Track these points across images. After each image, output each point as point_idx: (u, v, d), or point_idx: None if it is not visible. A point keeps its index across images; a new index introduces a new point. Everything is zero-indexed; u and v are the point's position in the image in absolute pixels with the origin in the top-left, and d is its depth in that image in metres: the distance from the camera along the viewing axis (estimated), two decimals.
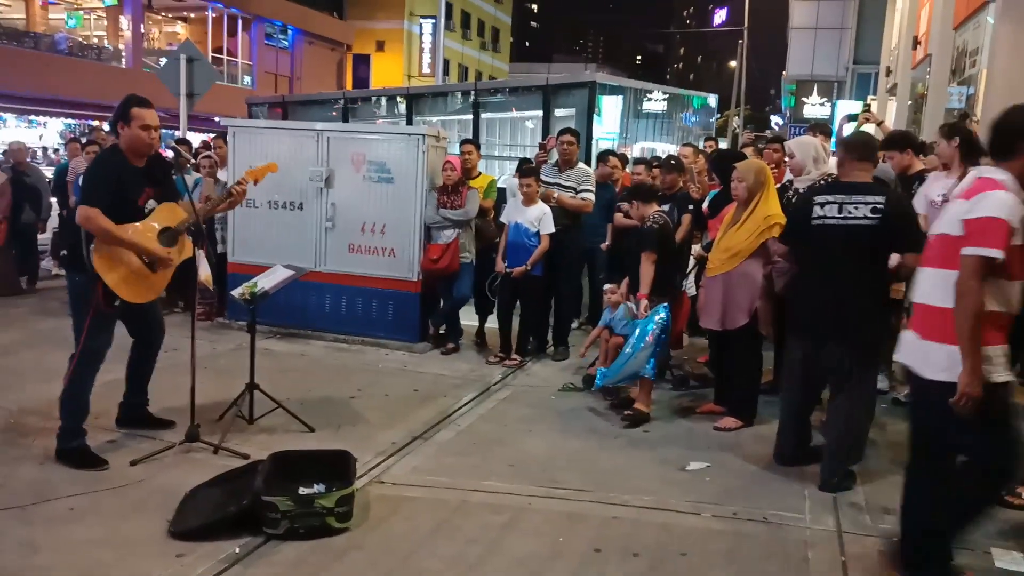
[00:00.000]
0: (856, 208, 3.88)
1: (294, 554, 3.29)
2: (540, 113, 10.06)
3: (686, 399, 5.50)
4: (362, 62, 34.00)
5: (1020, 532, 3.56)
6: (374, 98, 12.74)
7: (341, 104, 12.31)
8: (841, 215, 3.91)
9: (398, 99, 12.16)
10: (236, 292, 4.78)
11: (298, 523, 3.38)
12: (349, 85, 31.40)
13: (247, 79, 26.55)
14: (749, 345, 4.88)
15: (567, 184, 6.51)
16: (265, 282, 4.73)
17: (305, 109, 13.37)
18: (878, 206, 3.85)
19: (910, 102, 21.77)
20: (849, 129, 8.55)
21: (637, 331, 4.98)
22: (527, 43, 55.89)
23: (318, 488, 3.53)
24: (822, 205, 3.98)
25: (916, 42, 21.35)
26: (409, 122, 11.32)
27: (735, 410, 4.95)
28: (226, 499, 3.54)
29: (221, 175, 7.44)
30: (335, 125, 7.97)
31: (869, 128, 7.69)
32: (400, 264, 6.60)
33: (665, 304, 5.07)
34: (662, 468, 4.29)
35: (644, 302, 5.03)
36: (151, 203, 4.19)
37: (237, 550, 3.28)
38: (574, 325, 6.64)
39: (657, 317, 4.98)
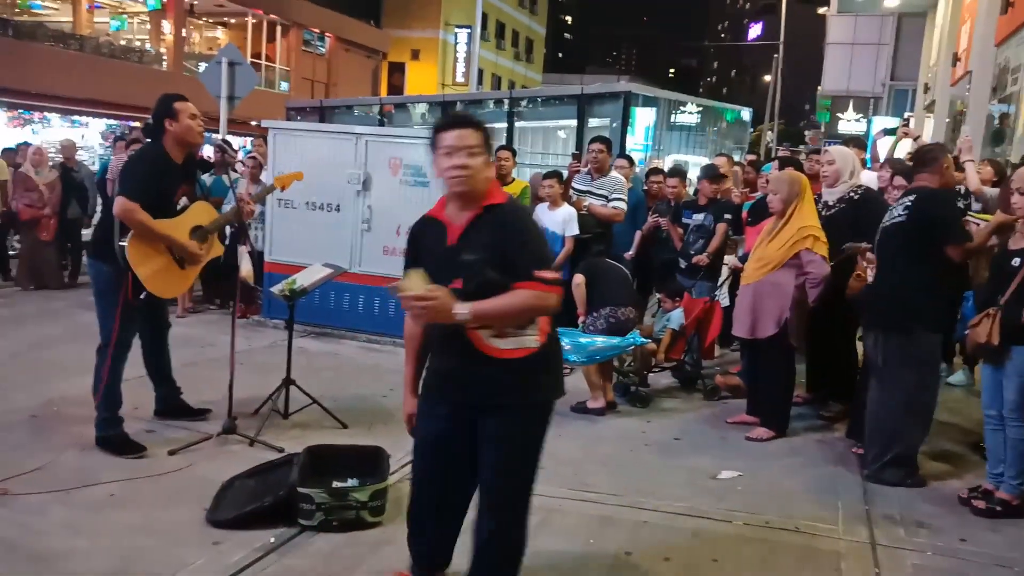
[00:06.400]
0: (895, 208, 4.34)
1: (328, 546, 3.34)
2: (574, 123, 10.10)
3: (716, 409, 5.48)
4: (397, 70, 34.33)
5: None
6: (410, 104, 12.84)
7: (377, 109, 12.44)
8: (891, 217, 4.35)
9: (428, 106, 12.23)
10: (275, 288, 4.86)
11: (332, 516, 3.42)
12: (384, 93, 31.66)
13: (284, 84, 26.91)
14: (779, 355, 4.86)
15: (599, 192, 6.53)
16: (304, 279, 4.80)
17: (342, 114, 13.51)
18: (908, 203, 4.23)
19: (948, 119, 21.48)
20: (884, 143, 8.48)
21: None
22: (560, 55, 55.86)
23: (352, 482, 3.58)
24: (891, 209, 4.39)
25: (956, 59, 21.05)
26: None
27: (767, 420, 4.93)
28: (262, 490, 3.60)
29: (262, 176, 7.56)
30: (373, 128, 8.08)
31: (906, 143, 7.62)
32: None
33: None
34: (692, 475, 4.28)
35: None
36: (183, 200, 4.27)
37: (272, 540, 3.33)
38: None
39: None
